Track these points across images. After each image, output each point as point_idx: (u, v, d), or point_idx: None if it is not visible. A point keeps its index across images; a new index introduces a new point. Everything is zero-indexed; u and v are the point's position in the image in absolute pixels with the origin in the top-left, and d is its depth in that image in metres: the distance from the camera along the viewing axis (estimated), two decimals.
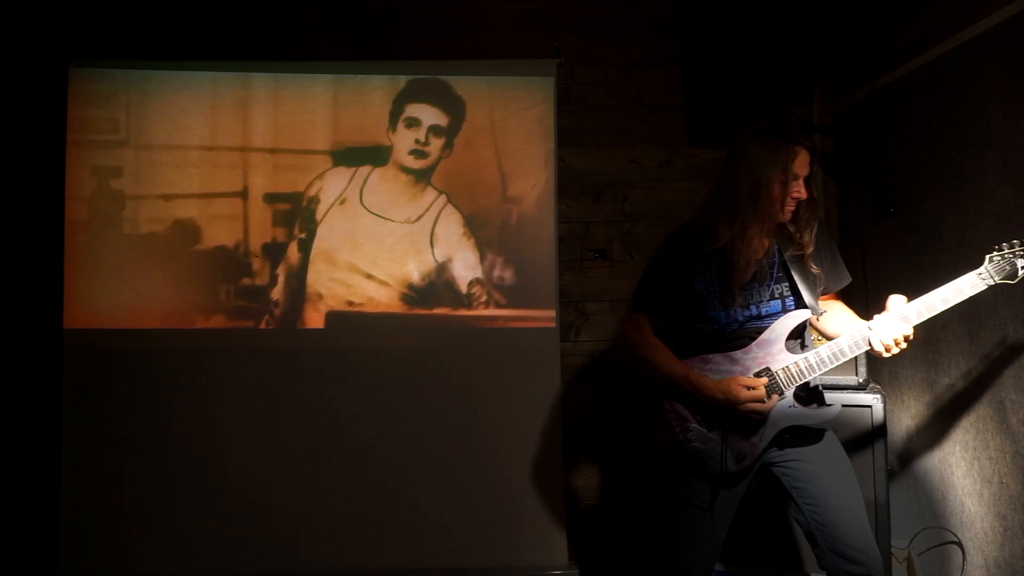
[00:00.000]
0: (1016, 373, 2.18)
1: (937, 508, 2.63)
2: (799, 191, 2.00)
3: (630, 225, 3.46)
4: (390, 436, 3.23)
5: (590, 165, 3.46)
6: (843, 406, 2.61)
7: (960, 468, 2.49)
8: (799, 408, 2.02)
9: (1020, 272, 1.86)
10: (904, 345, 1.93)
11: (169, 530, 3.16)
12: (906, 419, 2.84)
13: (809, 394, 2.10)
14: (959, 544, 2.49)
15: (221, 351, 3.25)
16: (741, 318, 2.06)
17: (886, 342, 1.92)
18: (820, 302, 2.11)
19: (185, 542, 3.16)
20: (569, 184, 3.43)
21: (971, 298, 1.91)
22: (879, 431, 2.59)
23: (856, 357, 2.65)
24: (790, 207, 2.02)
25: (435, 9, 3.43)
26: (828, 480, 2.04)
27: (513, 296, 3.29)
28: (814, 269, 2.08)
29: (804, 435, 2.07)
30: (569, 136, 3.41)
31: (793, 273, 2.06)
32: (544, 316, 3.28)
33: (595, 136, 3.46)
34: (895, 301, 1.96)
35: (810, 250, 2.06)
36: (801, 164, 1.99)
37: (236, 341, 3.25)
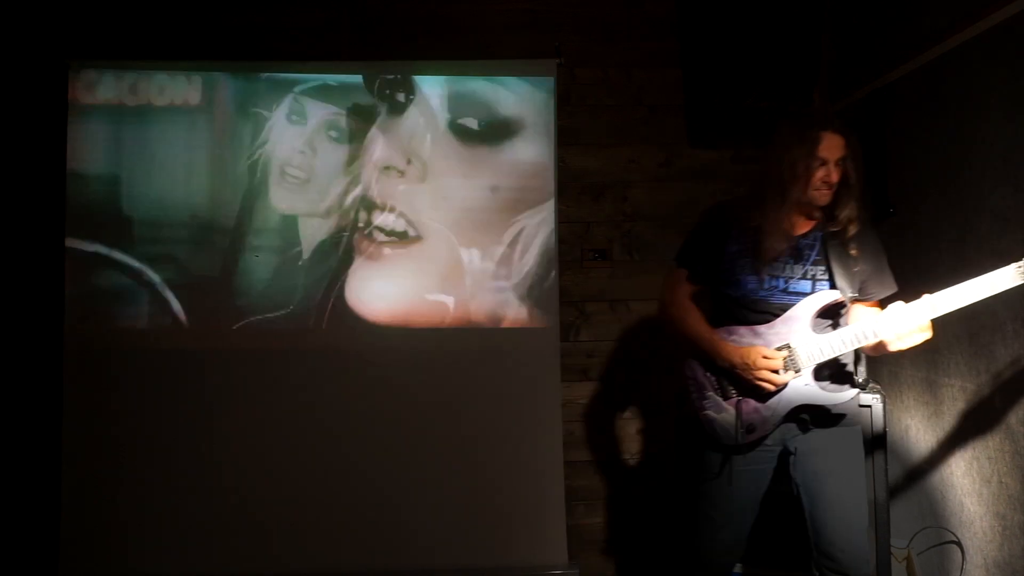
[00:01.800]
0: (1016, 373, 2.18)
1: (936, 508, 2.63)
2: (827, 175, 2.04)
3: (630, 225, 3.46)
4: (390, 436, 3.23)
5: (590, 165, 3.46)
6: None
7: (959, 468, 2.49)
8: (814, 388, 2.04)
9: None
10: (917, 339, 1.95)
11: (169, 530, 3.16)
12: (906, 419, 2.84)
13: (834, 377, 2.12)
14: (958, 544, 2.49)
15: (221, 351, 3.25)
16: (768, 287, 2.10)
17: (897, 330, 1.94)
18: (862, 307, 2.14)
19: (185, 542, 3.16)
20: (569, 184, 3.42)
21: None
22: (879, 431, 2.59)
23: (856, 357, 2.67)
24: (823, 191, 2.06)
25: (435, 9, 3.43)
26: (831, 478, 2.06)
27: (513, 296, 3.30)
28: (853, 252, 2.09)
29: (823, 418, 2.08)
30: (569, 136, 3.41)
31: (831, 258, 2.09)
32: (544, 316, 3.29)
33: (595, 136, 3.46)
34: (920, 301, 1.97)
35: (851, 229, 2.08)
36: (827, 148, 2.03)
37: (236, 341, 3.25)
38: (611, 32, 3.46)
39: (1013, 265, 1.86)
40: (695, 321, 2.18)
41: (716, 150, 3.40)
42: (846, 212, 2.07)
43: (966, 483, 2.45)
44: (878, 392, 2.63)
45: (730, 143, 3.40)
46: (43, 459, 3.19)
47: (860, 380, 2.68)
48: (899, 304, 1.97)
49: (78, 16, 3.31)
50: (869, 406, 2.60)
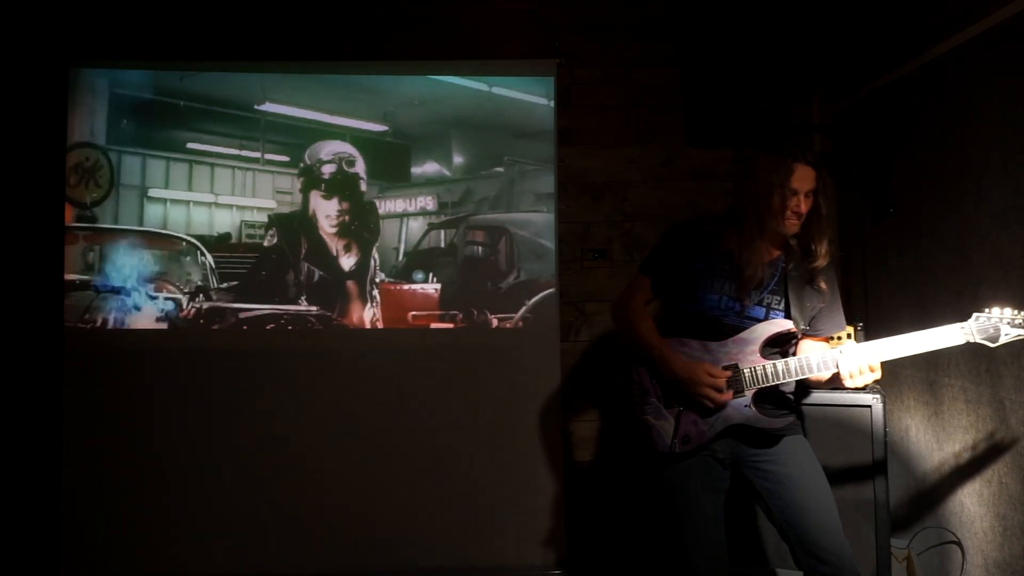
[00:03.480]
0: (1016, 373, 2.18)
1: (936, 508, 2.63)
2: (798, 205, 2.07)
3: (630, 225, 3.46)
4: (389, 436, 3.24)
5: (590, 165, 3.46)
6: (843, 406, 2.63)
7: (960, 468, 2.49)
8: (754, 411, 2.08)
9: (1002, 339, 1.90)
10: (868, 378, 2.00)
11: (169, 530, 3.16)
12: (906, 419, 2.84)
13: (774, 403, 2.15)
14: (959, 544, 2.49)
15: (222, 351, 3.25)
16: (724, 307, 2.13)
17: (851, 368, 1.99)
18: (811, 341, 2.19)
19: (185, 542, 3.16)
20: (569, 184, 3.43)
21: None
22: (879, 431, 2.59)
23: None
24: (792, 220, 2.08)
25: (435, 9, 3.43)
26: (798, 482, 2.09)
27: (513, 296, 3.30)
28: (822, 286, 2.14)
29: (759, 438, 2.12)
30: (569, 136, 3.41)
31: (789, 289, 2.13)
32: (544, 316, 3.29)
33: (595, 136, 3.46)
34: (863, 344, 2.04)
35: (822, 262, 2.12)
36: (800, 179, 2.06)
37: (237, 341, 3.26)
38: (611, 32, 3.46)
39: (956, 325, 1.94)
40: (647, 329, 2.20)
41: (716, 150, 3.40)
42: (823, 246, 2.12)
43: (966, 483, 2.45)
44: (878, 392, 2.63)
45: (730, 143, 3.40)
46: (43, 459, 3.19)
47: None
48: (851, 344, 2.03)
49: (78, 16, 3.31)
50: (869, 406, 2.60)
